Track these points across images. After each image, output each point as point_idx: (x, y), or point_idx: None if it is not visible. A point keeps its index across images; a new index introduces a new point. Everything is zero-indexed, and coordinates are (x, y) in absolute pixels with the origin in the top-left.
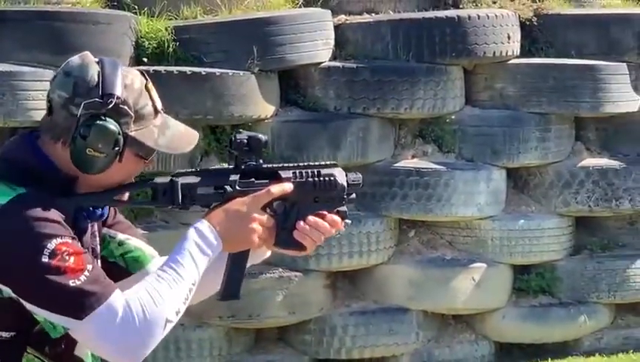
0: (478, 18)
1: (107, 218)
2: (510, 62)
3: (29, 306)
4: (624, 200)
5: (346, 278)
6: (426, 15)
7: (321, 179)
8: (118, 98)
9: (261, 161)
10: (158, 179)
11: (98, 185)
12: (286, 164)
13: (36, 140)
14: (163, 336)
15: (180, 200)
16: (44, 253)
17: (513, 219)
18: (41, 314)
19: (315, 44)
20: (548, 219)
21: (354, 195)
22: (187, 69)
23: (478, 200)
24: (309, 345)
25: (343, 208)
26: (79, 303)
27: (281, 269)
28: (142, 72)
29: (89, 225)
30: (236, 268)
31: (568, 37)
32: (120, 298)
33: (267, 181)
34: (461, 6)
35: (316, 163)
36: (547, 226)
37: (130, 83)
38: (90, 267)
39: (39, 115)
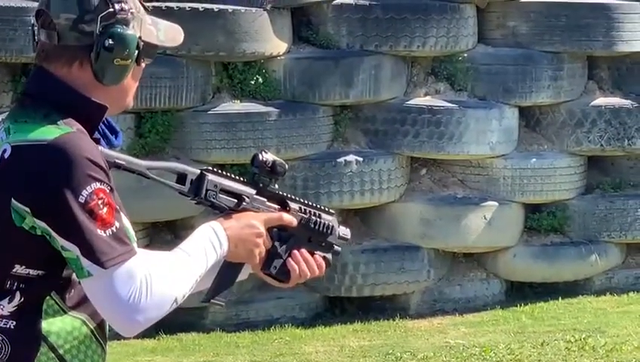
0: None
1: None
2: (523, 0)
3: (61, 241)
4: (636, 139)
5: (358, 216)
6: None
7: (322, 222)
8: (125, 4)
9: (276, 186)
10: (189, 168)
11: (117, 102)
12: (293, 196)
13: (49, 72)
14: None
15: (204, 195)
16: (82, 193)
17: (525, 157)
18: (71, 250)
19: None
20: (560, 158)
21: (339, 249)
22: (199, 6)
23: (490, 139)
24: (321, 283)
25: (329, 256)
26: (105, 253)
27: None
28: None
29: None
30: (229, 276)
31: None
32: (141, 265)
33: (277, 206)
34: None
35: (319, 206)
36: (559, 165)
37: None
38: (118, 225)
39: None
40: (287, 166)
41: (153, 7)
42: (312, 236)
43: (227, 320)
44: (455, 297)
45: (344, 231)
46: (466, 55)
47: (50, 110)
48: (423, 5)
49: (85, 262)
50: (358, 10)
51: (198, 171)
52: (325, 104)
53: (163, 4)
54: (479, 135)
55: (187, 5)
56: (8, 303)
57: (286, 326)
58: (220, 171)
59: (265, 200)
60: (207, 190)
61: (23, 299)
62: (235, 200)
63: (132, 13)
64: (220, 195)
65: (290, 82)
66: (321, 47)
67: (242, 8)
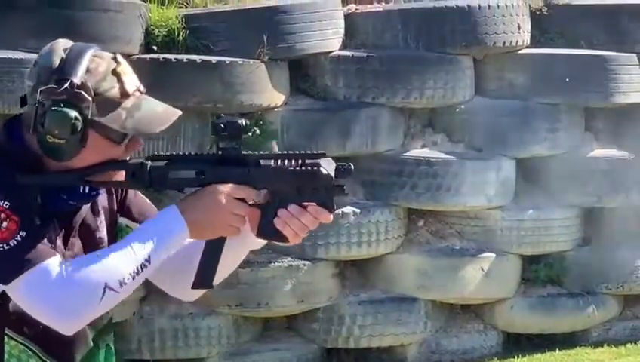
0: (489, 8)
1: (121, 205)
2: (520, 52)
3: None
4: (633, 191)
5: (355, 267)
6: (437, 4)
7: (303, 168)
8: (72, 82)
9: (241, 148)
10: (131, 161)
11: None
12: (270, 153)
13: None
14: (105, 305)
15: (150, 183)
16: None
17: (522, 209)
18: None
19: (325, 32)
20: (557, 210)
21: (344, 187)
22: (197, 58)
23: (487, 191)
24: (318, 334)
25: (328, 200)
26: (5, 268)
27: (289, 258)
28: (114, 57)
29: (84, 206)
30: (210, 256)
31: (579, 27)
32: (56, 262)
33: (247, 169)
34: None
35: (303, 152)
36: (556, 217)
37: (94, 67)
38: (23, 234)
39: None
40: (244, 122)
41: (151, 59)
42: (300, 185)
43: None
44: (452, 348)
45: (344, 166)
46: (463, 107)
47: None
48: (420, 57)
49: None
50: (355, 61)
51: (139, 161)
52: None
53: (161, 56)
54: (476, 187)
55: (185, 57)
56: None
57: None
58: (169, 154)
59: (230, 167)
60: (154, 178)
61: None
62: (193, 178)
63: (85, 91)
64: (171, 178)
65: (287, 134)
66: (319, 99)
67: (239, 60)
